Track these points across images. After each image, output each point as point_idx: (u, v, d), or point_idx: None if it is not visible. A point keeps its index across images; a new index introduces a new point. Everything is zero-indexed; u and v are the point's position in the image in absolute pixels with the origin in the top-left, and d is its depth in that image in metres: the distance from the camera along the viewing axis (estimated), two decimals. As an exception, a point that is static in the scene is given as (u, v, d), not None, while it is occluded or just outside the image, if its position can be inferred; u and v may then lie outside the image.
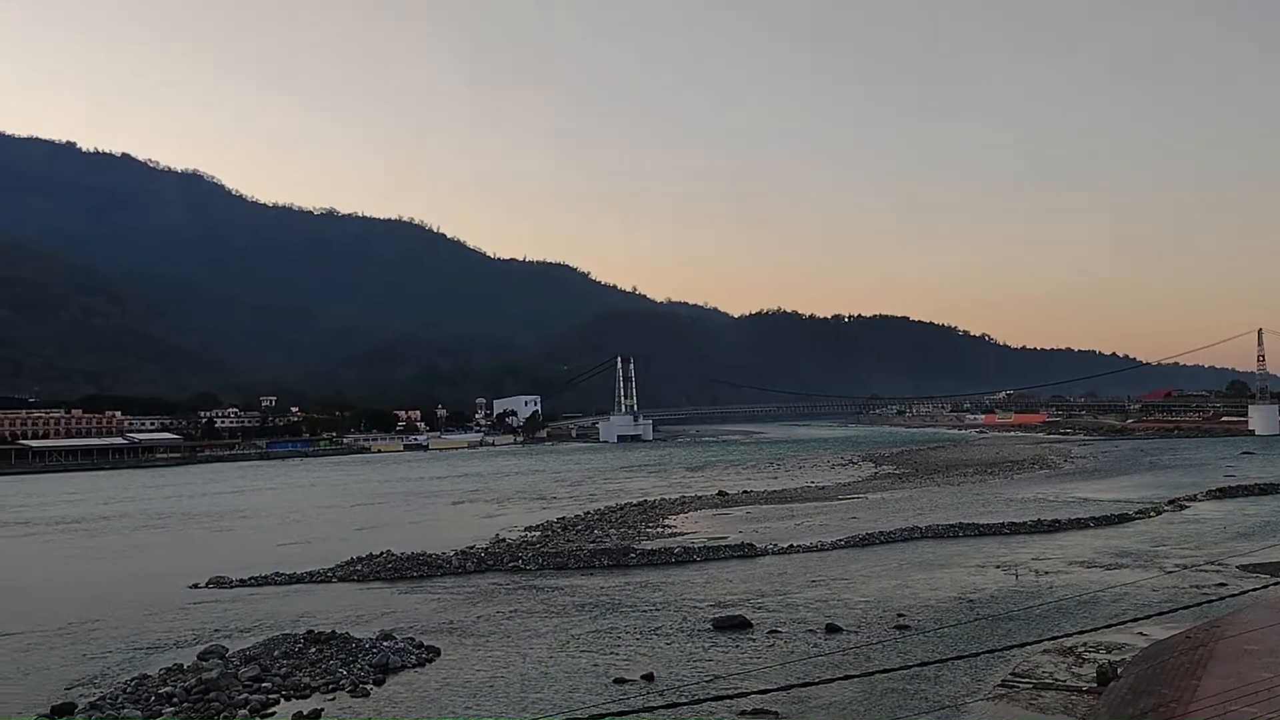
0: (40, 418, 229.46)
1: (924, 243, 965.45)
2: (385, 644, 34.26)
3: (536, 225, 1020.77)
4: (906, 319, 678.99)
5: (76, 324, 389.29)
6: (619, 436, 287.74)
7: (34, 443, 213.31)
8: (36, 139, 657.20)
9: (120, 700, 28.40)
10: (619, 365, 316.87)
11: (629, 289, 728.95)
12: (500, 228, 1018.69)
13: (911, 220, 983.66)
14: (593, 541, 62.05)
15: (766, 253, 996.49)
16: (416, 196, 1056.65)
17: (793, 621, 37.47)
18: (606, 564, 53.13)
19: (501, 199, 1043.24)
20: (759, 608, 40.06)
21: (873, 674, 26.52)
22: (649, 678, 29.85)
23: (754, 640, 34.82)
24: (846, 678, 24.82)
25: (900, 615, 37.84)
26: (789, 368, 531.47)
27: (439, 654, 33.73)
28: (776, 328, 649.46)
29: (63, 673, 32.76)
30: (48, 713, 27.73)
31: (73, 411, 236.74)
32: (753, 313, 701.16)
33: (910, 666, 27.04)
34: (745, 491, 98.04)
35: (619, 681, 29.55)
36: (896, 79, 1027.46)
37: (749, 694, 21.93)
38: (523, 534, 67.98)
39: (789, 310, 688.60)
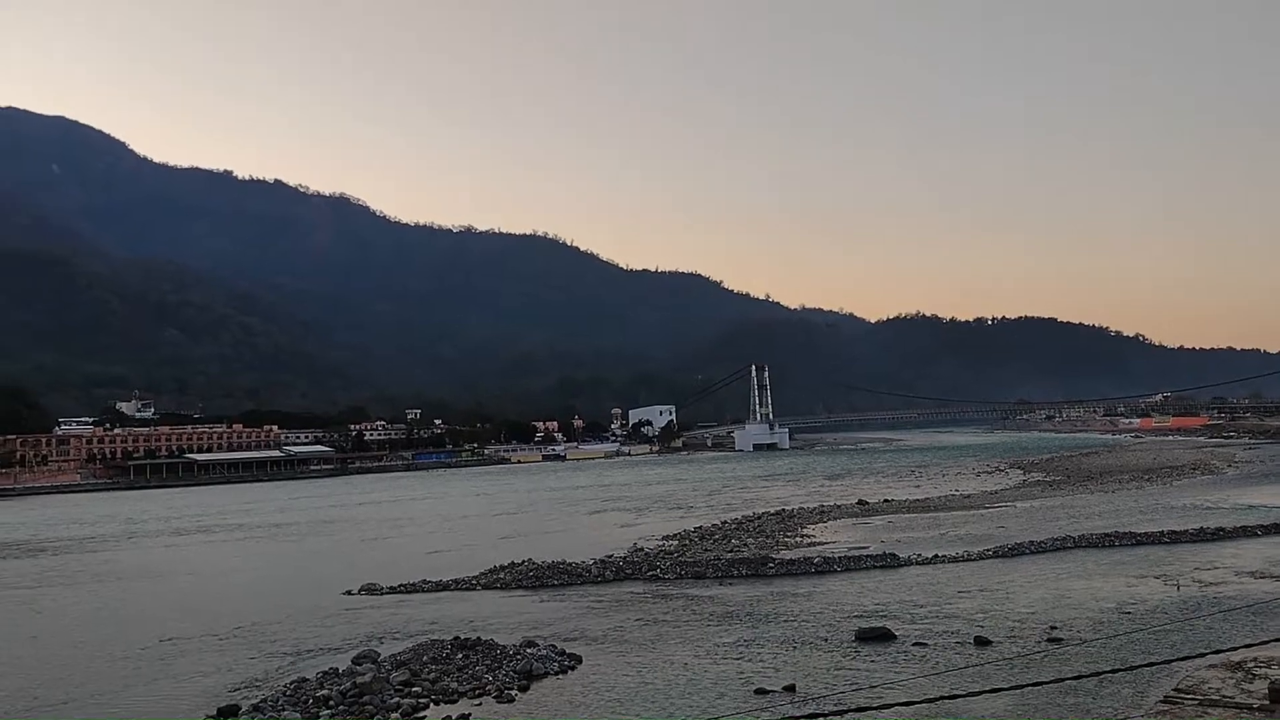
0: (205, 432, 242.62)
1: (1071, 241, 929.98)
2: (529, 651, 34.86)
3: (668, 236, 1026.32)
4: (1054, 320, 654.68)
5: (237, 343, 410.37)
6: (754, 445, 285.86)
7: (200, 456, 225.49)
8: (197, 169, 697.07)
9: (281, 703, 29.68)
10: (753, 374, 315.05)
11: (762, 297, 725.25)
12: (633, 239, 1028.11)
13: (1057, 217, 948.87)
14: (730, 551, 61.75)
15: (902, 256, 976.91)
16: (550, 211, 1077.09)
17: (939, 633, 36.47)
18: (745, 573, 52.78)
19: (633, 211, 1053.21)
20: (903, 619, 39.15)
21: (1024, 687, 25.56)
22: (790, 689, 29.53)
23: (898, 652, 34.04)
24: (996, 691, 23.99)
25: (1053, 627, 36.40)
26: (929, 373, 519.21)
27: (581, 661, 34.11)
28: (915, 332, 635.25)
29: (229, 675, 34.46)
30: (214, 714, 29.20)
31: (234, 426, 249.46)
32: (890, 317, 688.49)
33: (1065, 680, 25.95)
34: (886, 500, 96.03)
35: (760, 692, 29.32)
36: (1041, 69, 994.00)
37: (894, 705, 21.46)
38: (660, 543, 68.18)
39: (928, 314, 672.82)
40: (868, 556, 56.00)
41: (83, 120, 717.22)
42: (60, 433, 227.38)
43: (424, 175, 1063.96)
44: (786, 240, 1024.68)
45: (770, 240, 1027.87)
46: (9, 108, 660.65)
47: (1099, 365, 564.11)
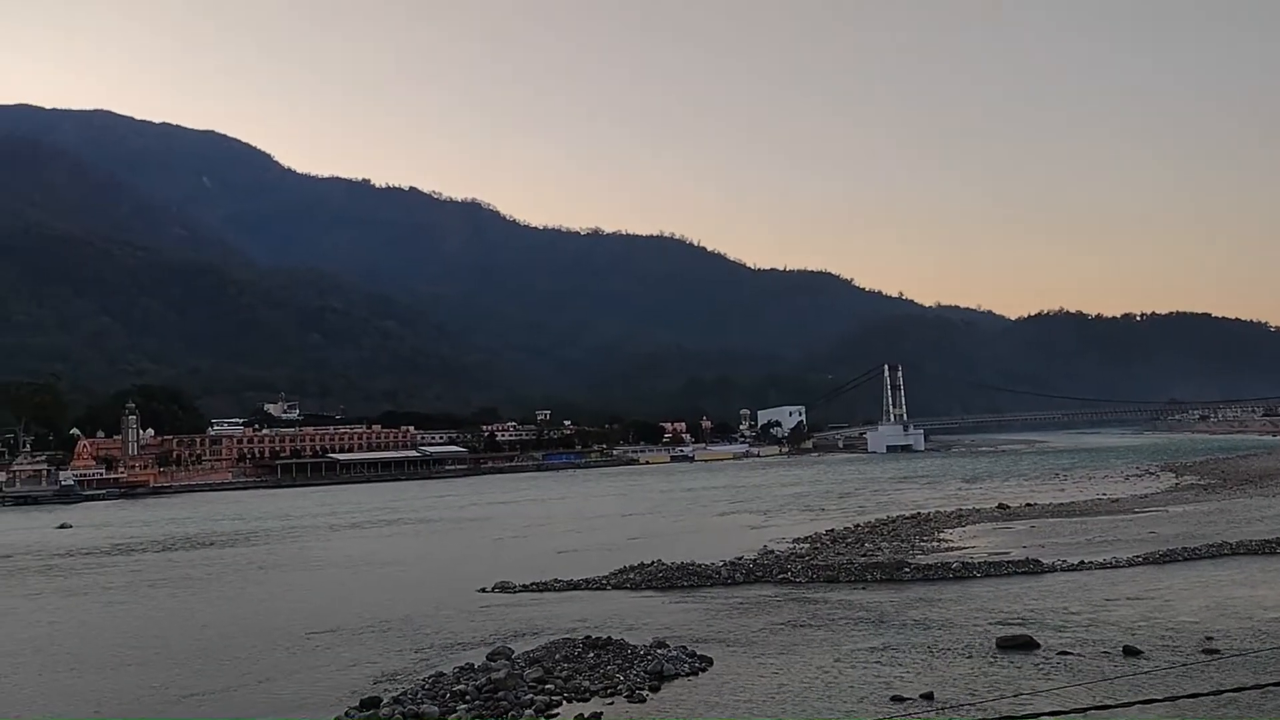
0: (346, 433, 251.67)
1: (1224, 232, 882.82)
2: (659, 651, 34.79)
3: (796, 234, 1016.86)
4: (1208, 315, 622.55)
5: (375, 347, 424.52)
6: (888, 447, 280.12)
7: (341, 456, 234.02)
8: (337, 178, 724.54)
9: (420, 696, 30.35)
10: (886, 374, 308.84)
11: (894, 294, 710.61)
12: (760, 239, 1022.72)
13: (1209, 209, 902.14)
14: (864, 555, 60.48)
15: (1042, 250, 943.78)
16: (677, 212, 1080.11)
17: (1085, 642, 34.87)
18: (879, 578, 51.58)
19: (760, 210, 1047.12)
20: (1046, 627, 37.57)
21: (1180, 699, 24.16)
22: (928, 696, 28.65)
23: (1042, 661, 32.68)
24: (1149, 702, 22.76)
25: (1209, 638, 34.37)
26: (1073, 372, 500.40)
27: (712, 663, 33.85)
28: (1058, 329, 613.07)
29: (370, 667, 35.48)
30: (358, 705, 30.06)
31: (373, 427, 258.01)
32: (1031, 315, 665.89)
33: (1223, 692, 24.41)
34: (1028, 504, 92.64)
35: (897, 699, 28.55)
36: (1197, 56, 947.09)
37: (1039, 715, 20.54)
38: (791, 546, 67.33)
39: (1071, 310, 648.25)
40: (1009, 562, 54.05)
41: (231, 134, 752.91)
42: (213, 433, 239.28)
43: (552, 179, 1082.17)
44: (920, 236, 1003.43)
45: (903, 237, 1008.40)
46: (164, 124, 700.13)
47: (1257, 363, 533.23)
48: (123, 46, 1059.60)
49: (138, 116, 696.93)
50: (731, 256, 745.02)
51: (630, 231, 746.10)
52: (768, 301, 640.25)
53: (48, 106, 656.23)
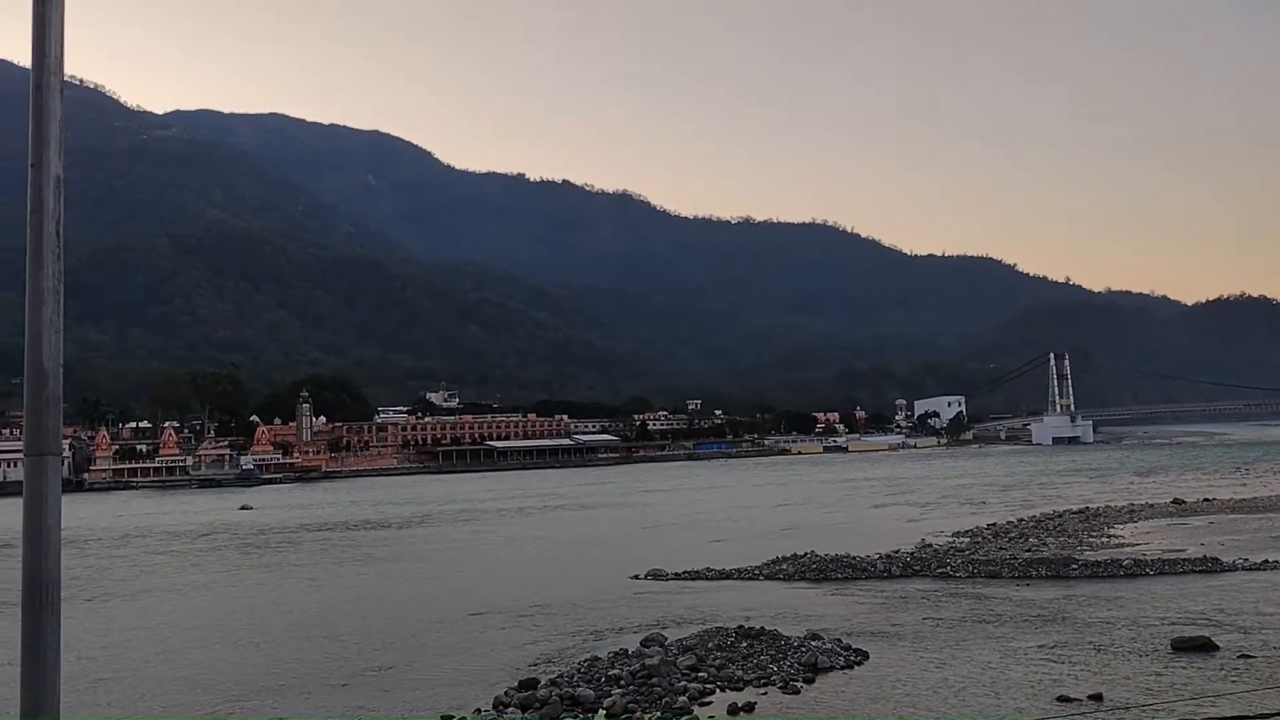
0: (503, 421, 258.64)
1: None
2: (813, 643, 34.39)
3: (955, 218, 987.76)
4: None
5: (531, 337, 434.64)
6: (1053, 439, 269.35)
7: (498, 444, 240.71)
8: (494, 173, 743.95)
9: (576, 679, 30.89)
10: (1051, 362, 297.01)
11: (1060, 279, 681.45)
12: (918, 224, 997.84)
13: None
14: (1028, 550, 58.32)
15: (1224, 231, 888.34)
16: (830, 199, 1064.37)
17: (1270, 645, 32.68)
18: (1044, 574, 49.60)
19: (915, 195, 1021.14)
20: (1226, 628, 35.39)
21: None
22: (1096, 698, 27.40)
23: (1220, 664, 30.80)
24: (1348, 711, 21.15)
25: None
26: (1259, 360, 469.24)
27: (867, 657, 33.26)
28: (1241, 315, 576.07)
29: (528, 649, 36.38)
30: (516, 685, 30.87)
31: (528, 416, 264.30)
32: (1210, 299, 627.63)
33: None
34: (1207, 500, 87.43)
35: (1062, 699, 27.41)
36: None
37: (1221, 721, 19.39)
38: (950, 539, 65.51)
39: (1255, 294, 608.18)
40: (1185, 560, 51.17)
41: (395, 133, 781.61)
42: (379, 420, 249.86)
43: (703, 169, 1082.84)
44: (1087, 218, 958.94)
45: (1068, 219, 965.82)
46: (333, 125, 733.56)
47: None
48: (295, 52, 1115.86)
49: (309, 119, 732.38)
50: (886, 242, 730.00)
51: (781, 219, 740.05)
52: (925, 288, 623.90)
53: (227, 111, 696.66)
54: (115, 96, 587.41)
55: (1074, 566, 50.83)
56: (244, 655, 38.05)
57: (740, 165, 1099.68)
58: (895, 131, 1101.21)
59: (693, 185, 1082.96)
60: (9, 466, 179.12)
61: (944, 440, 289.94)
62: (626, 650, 34.28)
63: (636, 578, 53.07)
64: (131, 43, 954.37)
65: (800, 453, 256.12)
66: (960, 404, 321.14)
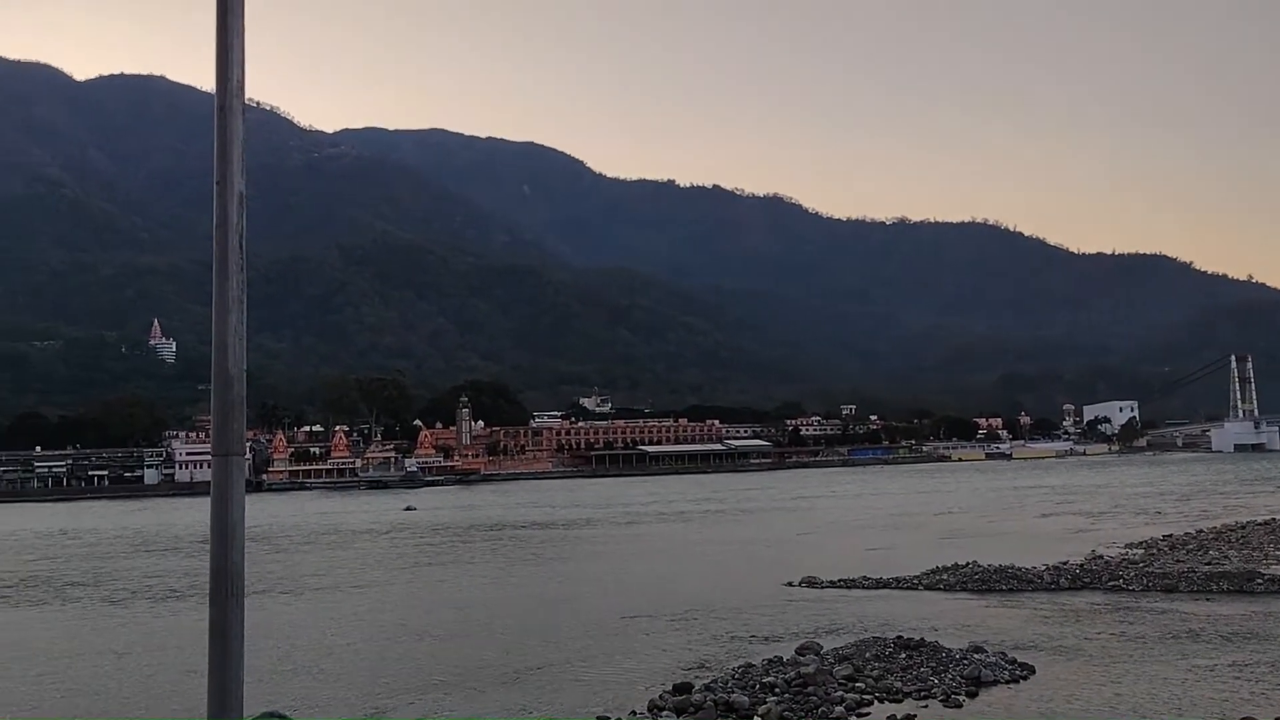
0: (654, 426, 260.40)
1: None
2: (976, 656, 33.22)
3: (1124, 215, 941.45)
4: None
5: (681, 342, 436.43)
6: (1235, 445, 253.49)
7: (650, 448, 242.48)
8: (644, 180, 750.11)
9: (730, 685, 30.71)
10: (1233, 364, 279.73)
11: (1242, 277, 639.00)
12: (1084, 221, 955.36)
13: None
14: (1207, 563, 54.82)
15: None
16: (990, 198, 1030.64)
17: None
18: (1226, 589, 46.54)
19: (1081, 192, 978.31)
20: None
21: None
22: (1289, 723, 25.51)
23: None
24: None
25: None
26: None
27: (1034, 672, 31.91)
28: None
29: (681, 654, 36.41)
30: (670, 690, 30.92)
31: (679, 420, 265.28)
32: None
33: None
34: None
35: (1250, 723, 25.65)
36: None
37: None
38: (1122, 551, 62.27)
39: None
40: (1390, 578, 47.20)
41: (548, 144, 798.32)
42: (535, 425, 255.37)
43: (855, 171, 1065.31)
44: (1272, 211, 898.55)
45: (1250, 212, 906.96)
46: (490, 138, 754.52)
47: None
48: (453, 69, 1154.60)
49: (467, 133, 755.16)
50: (1052, 241, 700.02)
51: (939, 219, 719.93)
52: (1093, 288, 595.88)
53: (391, 128, 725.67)
54: (289, 117, 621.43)
55: (1260, 581, 47.49)
56: (420, 650, 39.53)
57: (896, 166, 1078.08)
58: (1057, 126, 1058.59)
59: (846, 187, 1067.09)
60: (197, 467, 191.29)
61: (1115, 447, 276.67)
62: (781, 658, 33.90)
63: (790, 585, 52.49)
64: (303, 66, 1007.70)
65: (961, 459, 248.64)
66: (1133, 409, 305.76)
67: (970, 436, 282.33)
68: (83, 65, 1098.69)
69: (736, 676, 31.62)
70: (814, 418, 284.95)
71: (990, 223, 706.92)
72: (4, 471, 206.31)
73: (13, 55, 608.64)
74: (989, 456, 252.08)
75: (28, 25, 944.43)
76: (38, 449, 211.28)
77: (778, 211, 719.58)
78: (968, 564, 55.64)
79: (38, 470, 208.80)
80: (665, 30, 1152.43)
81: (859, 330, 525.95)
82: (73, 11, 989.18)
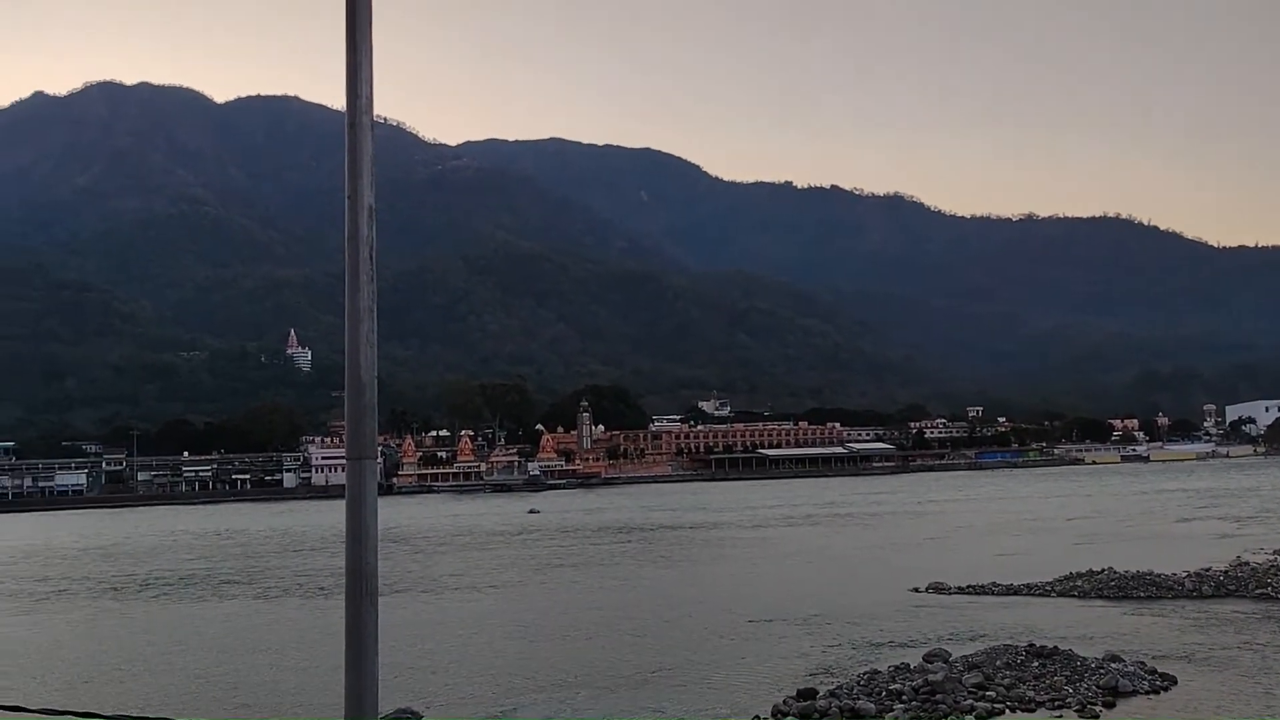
0: (774, 429, 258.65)
1: None
2: (1113, 665, 32.28)
3: (1271, 206, 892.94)
4: None
5: (800, 344, 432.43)
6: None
7: (770, 451, 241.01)
8: (761, 183, 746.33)
9: (855, 692, 30.57)
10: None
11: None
12: (1223, 214, 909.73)
13: None
14: (1367, 571, 51.86)
15: None
16: (1122, 191, 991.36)
17: None
18: (1388, 600, 44.04)
19: (1224, 182, 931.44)
20: None
21: None
22: None
23: None
24: None
25: None
26: None
27: (1175, 682, 30.84)
28: None
29: (805, 660, 36.36)
30: (794, 695, 30.95)
31: (799, 423, 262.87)
32: None
33: None
34: None
35: None
36: None
37: None
38: (1271, 557, 59.26)
39: None
40: None
41: (664, 149, 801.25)
42: (654, 429, 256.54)
43: (980, 167, 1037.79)
44: None
45: None
46: (607, 145, 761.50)
47: None
48: (569, 79, 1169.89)
49: (584, 141, 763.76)
50: (1189, 235, 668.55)
51: (1068, 214, 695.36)
52: (1236, 283, 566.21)
53: (511, 139, 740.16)
54: (415, 132, 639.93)
55: None
56: (552, 650, 40.54)
57: (1022, 161, 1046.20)
58: (1193, 116, 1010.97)
59: (969, 184, 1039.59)
60: (332, 471, 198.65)
61: (1262, 449, 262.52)
62: (908, 665, 33.54)
63: (917, 590, 51.78)
64: (428, 82, 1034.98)
65: (1094, 462, 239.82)
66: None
67: (1104, 438, 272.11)
68: (222, 88, 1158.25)
69: (862, 683, 31.42)
70: (939, 420, 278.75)
71: (1123, 217, 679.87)
72: (155, 476, 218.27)
73: (158, 80, 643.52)
74: (1124, 459, 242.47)
75: (171, 51, 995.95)
76: (185, 454, 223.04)
77: (898, 210, 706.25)
78: (1103, 570, 53.89)
79: (185, 474, 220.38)
80: (781, 31, 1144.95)
81: (985, 330, 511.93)
82: (212, 37, 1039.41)
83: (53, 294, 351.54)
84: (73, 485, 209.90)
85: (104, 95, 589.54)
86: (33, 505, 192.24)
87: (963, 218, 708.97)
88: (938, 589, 51.76)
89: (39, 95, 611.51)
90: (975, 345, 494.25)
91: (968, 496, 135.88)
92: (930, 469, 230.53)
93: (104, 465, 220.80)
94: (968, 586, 51.69)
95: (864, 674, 32.67)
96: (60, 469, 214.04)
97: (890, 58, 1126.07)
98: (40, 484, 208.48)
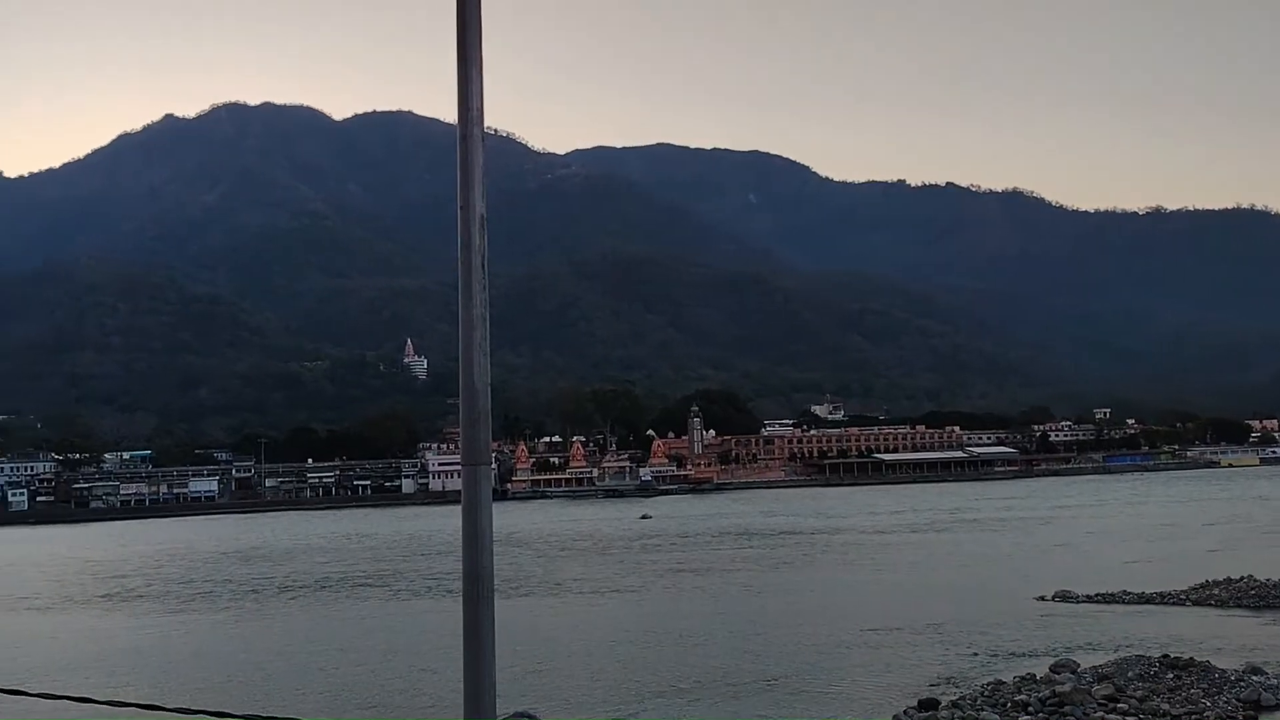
0: (889, 433, 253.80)
1: None
2: (1255, 678, 30.62)
3: None
4: None
5: (916, 346, 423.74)
6: None
7: (886, 456, 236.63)
8: (873, 182, 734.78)
9: (979, 702, 29.70)
10: None
11: None
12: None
13: None
14: None
15: None
16: (1257, 182, 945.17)
17: None
18: None
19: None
20: None
21: None
22: None
23: None
24: None
25: None
26: None
27: (1325, 699, 29.05)
28: None
29: (926, 670, 35.52)
30: (915, 706, 30.22)
31: (916, 427, 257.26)
32: None
33: None
34: None
35: None
36: None
37: None
38: None
39: None
40: None
41: (773, 151, 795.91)
42: (766, 433, 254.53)
43: (1102, 160, 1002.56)
44: None
45: None
46: (714, 149, 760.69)
47: None
48: (675, 84, 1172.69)
49: (691, 145, 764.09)
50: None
51: (1199, 207, 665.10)
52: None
53: (619, 146, 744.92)
54: (524, 142, 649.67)
55: None
56: (673, 654, 40.64)
57: (1149, 153, 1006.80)
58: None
59: (1093, 178, 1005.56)
60: (448, 476, 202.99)
61: None
62: (1034, 675, 32.48)
63: (1042, 599, 50.27)
64: (537, 92, 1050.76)
65: (1231, 465, 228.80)
66: None
67: (1242, 440, 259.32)
68: (340, 105, 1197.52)
69: (986, 694, 30.55)
70: (1064, 422, 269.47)
71: (1260, 208, 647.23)
72: (282, 482, 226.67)
73: (281, 100, 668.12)
74: (1264, 462, 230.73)
75: (293, 71, 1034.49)
76: (309, 461, 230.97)
77: (1018, 206, 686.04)
78: (1242, 578, 51.31)
79: (309, 480, 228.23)
80: (886, 26, 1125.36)
81: (1111, 329, 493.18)
82: (331, 56, 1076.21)
83: (185, 307, 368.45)
84: (205, 491, 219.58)
85: (230, 116, 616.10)
86: (169, 511, 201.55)
87: (1086, 212, 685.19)
88: (1065, 597, 50.15)
89: (170, 118, 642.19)
90: (1101, 344, 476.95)
91: (1098, 501, 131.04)
92: (1055, 473, 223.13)
93: (234, 472, 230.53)
94: (1097, 595, 49.93)
95: (988, 684, 31.77)
96: (194, 476, 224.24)
97: (1005, 49, 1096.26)
98: (176, 491, 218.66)
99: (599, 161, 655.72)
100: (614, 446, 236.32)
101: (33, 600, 65.80)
